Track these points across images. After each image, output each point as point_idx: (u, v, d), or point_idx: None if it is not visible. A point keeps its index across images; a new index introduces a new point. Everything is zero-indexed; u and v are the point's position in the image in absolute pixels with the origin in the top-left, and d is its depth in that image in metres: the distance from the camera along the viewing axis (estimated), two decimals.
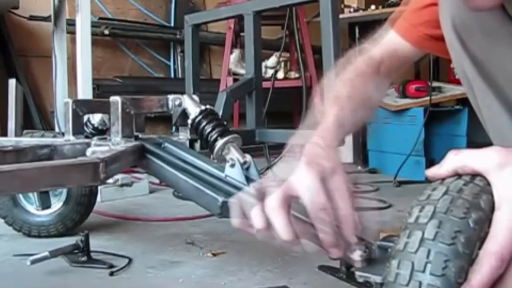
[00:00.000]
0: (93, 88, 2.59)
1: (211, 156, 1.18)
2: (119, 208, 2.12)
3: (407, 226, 0.55)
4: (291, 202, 0.65)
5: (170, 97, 1.31)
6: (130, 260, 1.43)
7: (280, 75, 3.30)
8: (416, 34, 0.98)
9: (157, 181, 2.46)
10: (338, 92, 0.86)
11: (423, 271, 0.51)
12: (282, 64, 3.33)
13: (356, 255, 0.64)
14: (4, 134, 1.92)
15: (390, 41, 1.01)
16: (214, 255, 1.48)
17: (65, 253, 1.39)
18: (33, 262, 1.30)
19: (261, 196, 0.66)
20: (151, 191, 2.48)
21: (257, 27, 1.95)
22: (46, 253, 1.33)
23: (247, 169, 1.02)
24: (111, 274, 1.33)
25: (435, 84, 2.95)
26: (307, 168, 0.63)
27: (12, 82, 1.81)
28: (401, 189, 2.52)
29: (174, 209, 2.10)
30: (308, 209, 0.61)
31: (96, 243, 1.53)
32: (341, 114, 0.80)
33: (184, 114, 1.28)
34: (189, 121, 1.24)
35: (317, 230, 0.62)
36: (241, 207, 0.68)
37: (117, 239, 1.67)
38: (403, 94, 2.89)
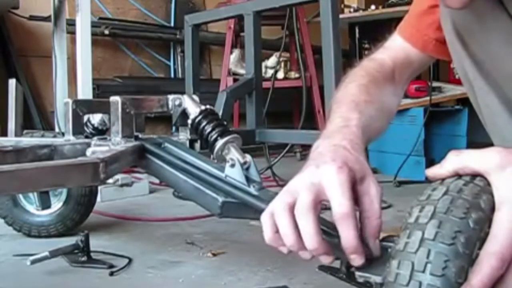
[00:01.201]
0: (93, 88, 2.59)
1: (211, 156, 1.18)
2: (119, 208, 2.12)
3: (407, 226, 0.55)
4: (320, 207, 0.62)
5: (170, 97, 1.31)
6: (130, 260, 1.43)
7: (280, 75, 3.29)
8: (422, 39, 0.97)
9: (157, 181, 2.46)
10: (355, 97, 0.84)
11: (423, 271, 0.51)
12: (282, 64, 3.32)
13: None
14: (4, 134, 1.92)
15: (400, 48, 0.99)
16: (214, 255, 1.48)
17: (65, 253, 1.39)
18: (33, 262, 1.30)
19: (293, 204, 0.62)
20: (151, 191, 2.48)
21: (257, 27, 1.95)
22: (46, 253, 1.33)
23: (247, 169, 1.02)
24: (111, 274, 1.33)
25: (435, 84, 2.95)
26: (338, 172, 0.61)
27: (12, 82, 1.80)
28: (401, 189, 2.52)
29: (174, 209, 2.10)
30: (335, 212, 0.60)
31: (96, 243, 1.53)
32: (363, 118, 0.78)
33: (184, 114, 1.28)
34: (189, 121, 1.24)
35: (340, 235, 0.60)
36: (274, 221, 0.63)
37: (117, 239, 1.67)
38: (403, 94, 2.88)
